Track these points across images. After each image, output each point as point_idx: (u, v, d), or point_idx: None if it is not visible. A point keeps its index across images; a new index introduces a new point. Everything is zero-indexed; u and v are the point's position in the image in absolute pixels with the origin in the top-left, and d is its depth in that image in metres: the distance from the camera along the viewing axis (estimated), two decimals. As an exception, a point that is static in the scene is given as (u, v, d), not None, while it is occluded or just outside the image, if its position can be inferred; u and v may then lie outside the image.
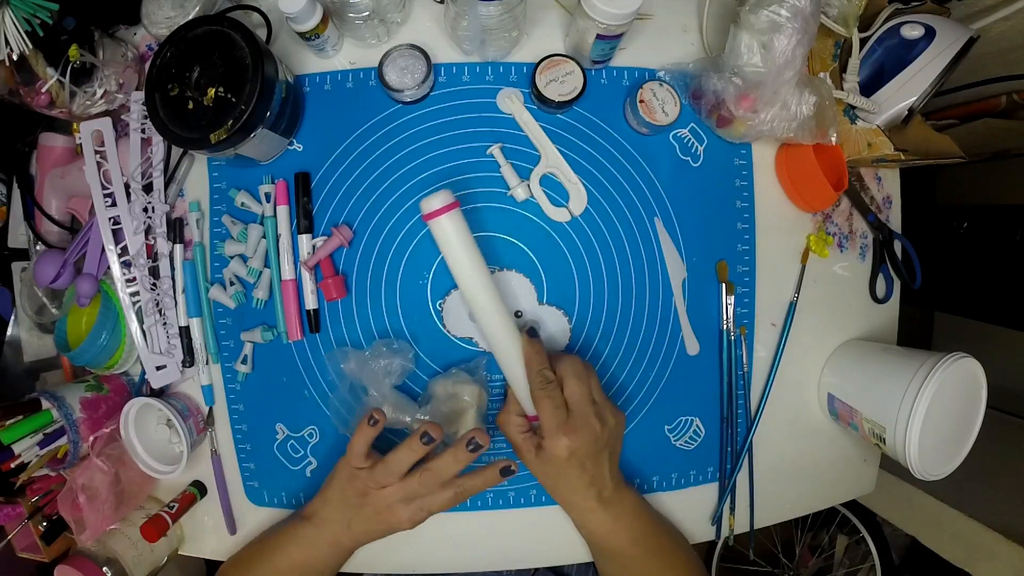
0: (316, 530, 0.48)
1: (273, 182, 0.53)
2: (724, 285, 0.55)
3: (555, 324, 0.53)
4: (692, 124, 0.55)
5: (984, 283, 1.00)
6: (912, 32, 0.52)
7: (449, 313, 0.53)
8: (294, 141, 0.54)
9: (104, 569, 0.49)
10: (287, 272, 0.52)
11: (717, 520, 0.57)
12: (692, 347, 0.55)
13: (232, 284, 0.53)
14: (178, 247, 0.53)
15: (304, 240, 0.52)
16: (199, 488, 0.55)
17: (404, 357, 0.50)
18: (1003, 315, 0.97)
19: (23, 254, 0.60)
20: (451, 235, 0.43)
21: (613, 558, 0.50)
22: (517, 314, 0.53)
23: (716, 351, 0.56)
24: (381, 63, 0.50)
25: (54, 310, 0.56)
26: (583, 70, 0.51)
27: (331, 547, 0.48)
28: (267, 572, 0.48)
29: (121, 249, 0.52)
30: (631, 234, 0.54)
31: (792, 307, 0.57)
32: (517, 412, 0.48)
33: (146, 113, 0.47)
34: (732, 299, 0.55)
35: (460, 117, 0.53)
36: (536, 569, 0.67)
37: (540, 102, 0.52)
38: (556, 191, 0.54)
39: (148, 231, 0.52)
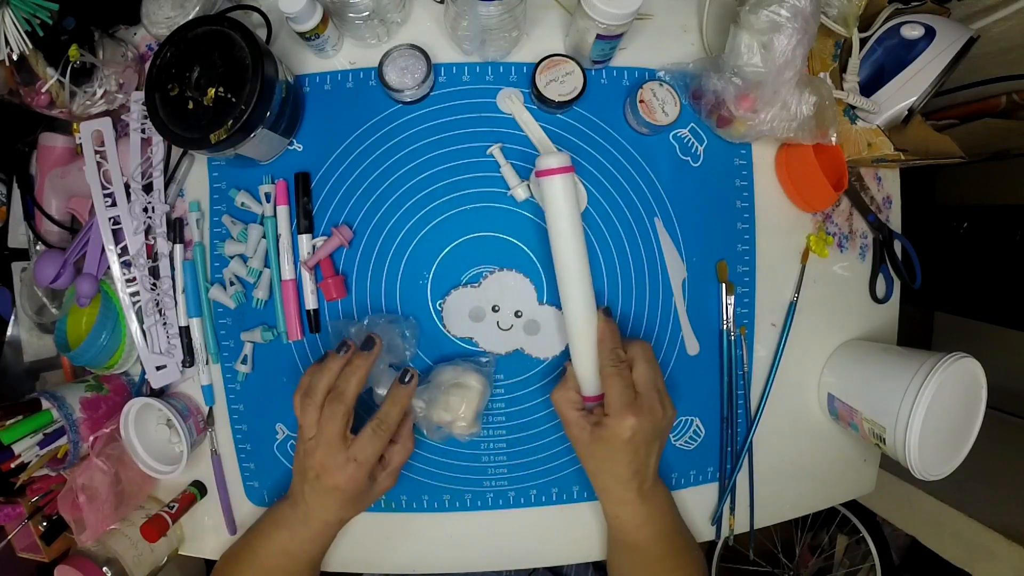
0: (292, 510, 0.47)
1: (273, 182, 0.53)
2: (724, 285, 0.55)
3: (555, 324, 0.53)
4: (692, 124, 0.55)
5: (984, 283, 1.00)
6: (912, 32, 0.52)
7: (449, 313, 0.53)
8: (294, 141, 0.54)
9: (104, 569, 0.49)
10: (287, 272, 0.52)
11: (717, 520, 0.57)
12: (692, 347, 0.55)
13: (232, 284, 0.53)
14: (178, 247, 0.53)
15: (304, 240, 0.52)
16: (199, 488, 0.55)
17: (408, 334, 0.51)
18: (1003, 315, 0.97)
19: (23, 254, 0.60)
20: (559, 195, 0.44)
21: (633, 552, 0.49)
22: (517, 314, 0.53)
23: (716, 351, 0.56)
24: (381, 63, 0.50)
25: (54, 310, 0.56)
26: (583, 70, 0.51)
27: (306, 526, 0.46)
28: (253, 562, 0.48)
29: (121, 249, 0.52)
30: (631, 234, 0.54)
31: (792, 307, 0.57)
32: (575, 388, 0.47)
33: (146, 113, 0.47)
34: (732, 299, 0.55)
35: (460, 117, 0.53)
36: (535, 569, 0.67)
37: (540, 102, 0.52)
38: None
39: (148, 231, 0.52)
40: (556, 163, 0.44)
